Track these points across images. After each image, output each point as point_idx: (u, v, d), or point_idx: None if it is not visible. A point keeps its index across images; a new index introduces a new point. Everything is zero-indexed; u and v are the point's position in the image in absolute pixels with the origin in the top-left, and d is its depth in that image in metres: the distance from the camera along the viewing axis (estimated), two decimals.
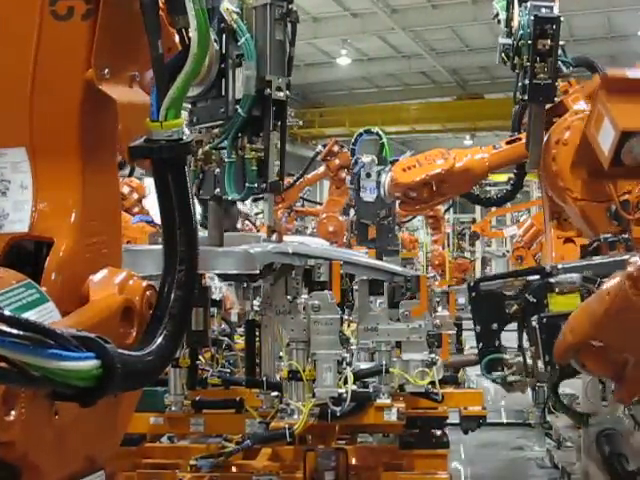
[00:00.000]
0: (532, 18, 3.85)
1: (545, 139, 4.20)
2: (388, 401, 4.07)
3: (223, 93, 3.50)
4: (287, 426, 3.84)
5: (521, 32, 3.95)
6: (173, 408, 4.12)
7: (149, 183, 8.74)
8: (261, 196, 3.75)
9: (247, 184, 3.53)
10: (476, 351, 3.45)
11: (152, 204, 7.92)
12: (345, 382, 3.82)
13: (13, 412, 1.27)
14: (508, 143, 4.88)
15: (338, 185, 10.11)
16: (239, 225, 10.37)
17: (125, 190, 8.68)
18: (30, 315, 1.33)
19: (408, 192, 4.87)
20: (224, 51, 3.48)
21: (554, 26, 3.86)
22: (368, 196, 8.20)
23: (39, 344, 1.09)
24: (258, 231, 7.98)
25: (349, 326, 4.71)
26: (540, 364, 3.09)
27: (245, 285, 4.38)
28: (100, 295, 1.54)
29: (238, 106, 3.46)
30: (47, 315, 1.38)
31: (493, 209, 16.25)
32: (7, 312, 1.09)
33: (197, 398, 4.19)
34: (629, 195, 3.85)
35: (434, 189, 4.81)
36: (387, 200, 6.29)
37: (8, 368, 1.08)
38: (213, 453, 4.22)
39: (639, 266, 1.95)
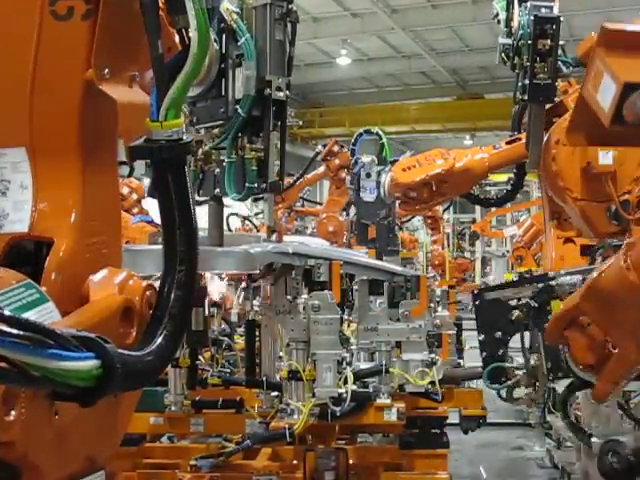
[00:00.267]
0: (532, 18, 3.85)
1: (545, 139, 4.19)
2: (388, 401, 4.07)
3: (223, 93, 3.51)
4: (287, 426, 3.84)
5: (521, 32, 3.95)
6: (173, 408, 4.12)
7: (149, 184, 8.74)
8: (261, 196, 3.76)
9: (247, 184, 3.53)
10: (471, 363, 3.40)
11: (152, 204, 7.91)
12: (345, 382, 3.82)
13: (13, 412, 1.27)
14: (508, 143, 4.88)
15: (338, 185, 10.11)
16: (239, 225, 10.40)
17: (125, 190, 8.69)
18: (30, 315, 1.33)
19: (408, 192, 4.87)
20: (224, 51, 3.48)
21: (554, 26, 3.85)
22: (368, 196, 8.19)
23: (39, 344, 1.09)
24: (258, 231, 7.97)
25: (349, 326, 4.71)
26: (544, 371, 3.06)
27: (245, 285, 4.38)
28: (100, 295, 1.54)
29: (238, 106, 3.46)
30: (47, 315, 1.38)
31: (493, 209, 16.25)
32: (7, 312, 1.09)
33: (197, 398, 4.20)
34: (629, 195, 3.85)
35: (434, 189, 4.81)
36: (387, 200, 6.29)
37: (8, 368, 1.08)
38: (213, 453, 4.22)
39: None
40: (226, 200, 3.82)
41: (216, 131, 3.60)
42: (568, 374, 2.93)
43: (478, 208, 21.64)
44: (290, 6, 3.50)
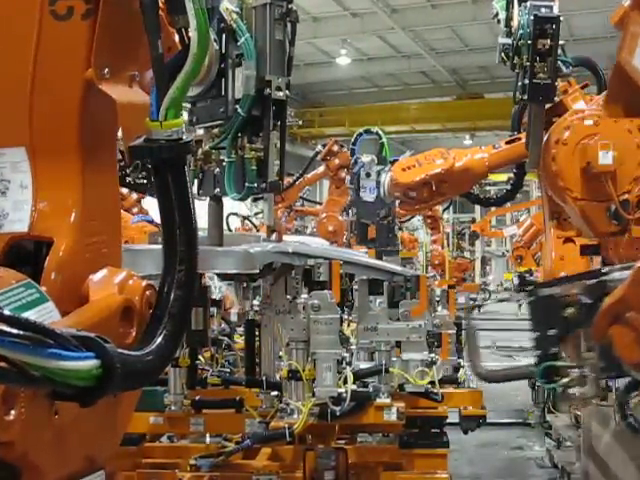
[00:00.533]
0: (532, 18, 3.85)
1: (545, 139, 4.19)
2: (388, 401, 4.07)
3: (223, 93, 3.50)
4: (287, 426, 3.84)
5: (521, 32, 3.95)
6: (173, 408, 4.12)
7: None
8: (261, 196, 3.75)
9: (247, 184, 3.53)
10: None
11: (152, 204, 7.91)
12: (345, 382, 3.82)
13: (13, 412, 1.26)
14: (508, 143, 4.89)
15: (338, 185, 10.12)
16: (239, 225, 10.39)
17: (124, 190, 8.67)
18: (30, 315, 1.33)
19: (408, 192, 4.88)
20: (224, 51, 3.48)
21: (554, 26, 3.85)
22: (368, 196, 8.20)
23: (39, 344, 1.09)
24: (258, 231, 7.97)
25: (349, 326, 4.71)
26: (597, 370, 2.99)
27: (245, 285, 4.38)
28: (100, 295, 1.54)
29: (238, 106, 3.46)
30: (47, 315, 1.38)
31: (493, 209, 16.26)
32: (7, 312, 1.09)
33: (197, 398, 4.20)
34: (629, 195, 3.85)
35: (434, 189, 4.82)
36: (387, 200, 6.30)
37: (8, 368, 1.08)
38: (213, 453, 4.22)
39: None
40: (225, 200, 3.82)
41: (216, 131, 3.60)
42: (622, 372, 2.86)
43: (478, 208, 21.69)
44: (290, 6, 3.49)
